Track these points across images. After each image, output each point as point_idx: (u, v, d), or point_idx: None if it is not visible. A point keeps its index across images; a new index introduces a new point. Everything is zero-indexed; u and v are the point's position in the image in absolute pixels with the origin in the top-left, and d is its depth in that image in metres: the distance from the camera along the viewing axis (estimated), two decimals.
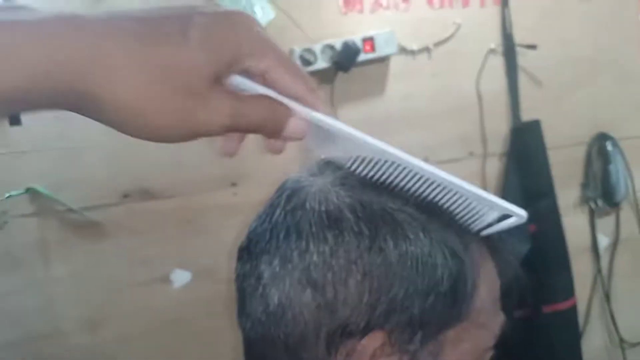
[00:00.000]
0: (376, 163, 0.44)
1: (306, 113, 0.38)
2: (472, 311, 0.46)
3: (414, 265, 0.43)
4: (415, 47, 1.40)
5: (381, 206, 0.44)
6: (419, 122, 1.42)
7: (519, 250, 1.43)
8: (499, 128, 1.50)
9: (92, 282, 1.30)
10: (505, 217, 0.45)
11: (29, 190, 1.23)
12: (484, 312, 0.47)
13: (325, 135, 0.40)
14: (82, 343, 1.30)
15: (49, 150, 1.24)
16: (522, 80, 1.48)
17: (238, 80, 0.36)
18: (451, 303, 0.45)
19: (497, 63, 1.46)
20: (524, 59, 1.47)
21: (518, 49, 1.45)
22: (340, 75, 1.32)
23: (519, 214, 0.44)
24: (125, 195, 1.29)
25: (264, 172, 1.34)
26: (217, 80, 0.34)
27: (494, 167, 1.50)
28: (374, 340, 0.43)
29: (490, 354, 0.49)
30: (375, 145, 0.40)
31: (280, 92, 0.37)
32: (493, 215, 0.45)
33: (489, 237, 0.48)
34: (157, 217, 1.31)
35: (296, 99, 0.38)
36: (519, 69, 1.47)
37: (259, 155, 1.30)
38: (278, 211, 0.46)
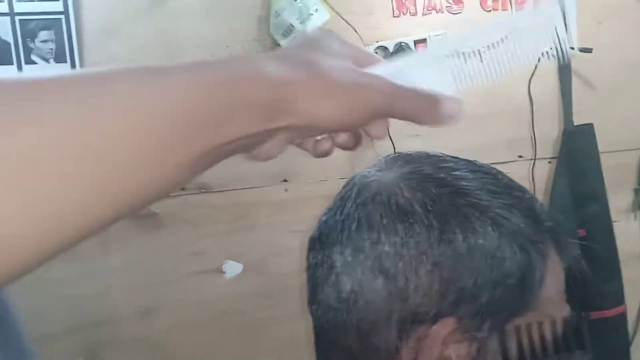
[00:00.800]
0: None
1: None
2: (540, 301, 0.47)
3: (483, 258, 0.45)
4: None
5: (450, 201, 0.46)
6: (468, 123, 1.41)
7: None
8: (550, 131, 1.49)
9: (147, 272, 1.35)
10: None
11: None
12: (551, 303, 0.48)
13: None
14: (135, 330, 1.35)
15: None
16: (576, 84, 1.47)
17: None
18: (519, 293, 0.46)
19: (550, 66, 1.46)
20: (577, 62, 1.46)
21: (572, 52, 1.44)
22: None
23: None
24: (182, 188, 1.33)
25: (314, 169, 1.37)
26: None
27: (543, 170, 1.50)
28: (444, 327, 0.44)
29: None
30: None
31: None
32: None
33: (554, 231, 0.49)
34: (211, 210, 1.35)
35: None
36: (573, 72, 1.46)
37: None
38: (349, 204, 0.49)
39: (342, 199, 0.50)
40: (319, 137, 0.39)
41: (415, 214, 0.45)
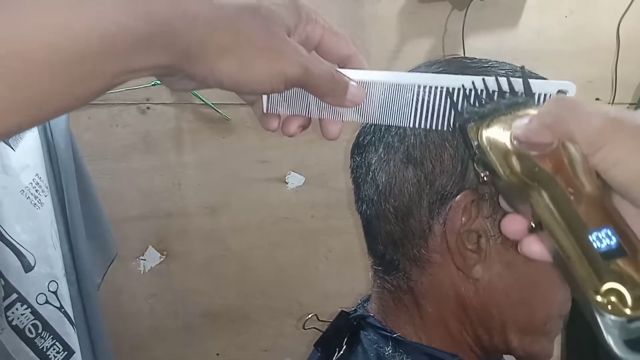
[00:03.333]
0: None
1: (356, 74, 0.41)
2: None
3: None
4: None
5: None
6: (547, 60, 1.39)
7: None
8: (632, 76, 1.43)
9: (215, 173, 1.43)
10: None
11: None
12: None
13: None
14: (201, 225, 1.46)
15: None
16: None
17: None
18: None
19: None
20: None
21: None
22: (476, 1, 1.30)
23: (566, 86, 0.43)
24: None
25: None
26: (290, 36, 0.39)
27: None
28: (465, 197, 0.49)
29: None
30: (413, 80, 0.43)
31: (335, 53, 0.43)
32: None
33: None
34: None
35: (348, 58, 0.43)
36: None
37: None
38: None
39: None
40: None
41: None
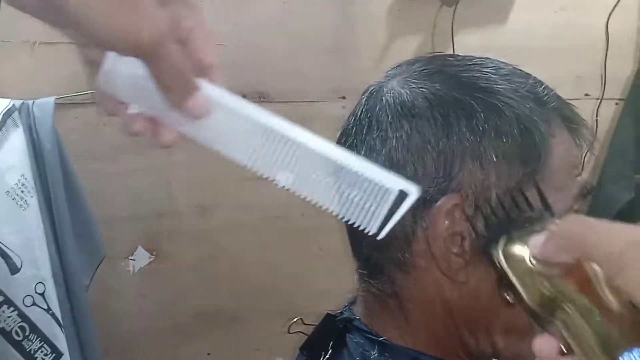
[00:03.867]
0: None
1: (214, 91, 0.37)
2: (546, 173, 0.49)
3: (484, 141, 0.48)
4: None
5: (451, 92, 0.49)
6: (536, 56, 1.38)
7: (620, 198, 1.41)
8: (621, 72, 1.44)
9: (206, 172, 1.42)
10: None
11: None
12: (559, 174, 0.50)
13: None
14: (191, 225, 1.45)
15: None
16: None
17: None
18: (521, 168, 0.48)
19: (633, 3, 1.38)
20: None
21: None
22: None
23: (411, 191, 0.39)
24: (243, 96, 1.36)
25: None
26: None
27: (609, 111, 1.45)
28: (448, 201, 0.48)
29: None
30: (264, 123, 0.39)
31: (198, 56, 0.37)
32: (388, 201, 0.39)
33: (561, 111, 0.51)
34: None
35: (209, 68, 0.38)
36: None
37: (370, 71, 1.34)
38: (360, 110, 0.53)
39: (355, 107, 0.55)
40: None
41: (418, 109, 0.49)
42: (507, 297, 0.36)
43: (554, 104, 0.51)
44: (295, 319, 0.64)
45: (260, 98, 1.38)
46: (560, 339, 0.33)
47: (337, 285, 1.42)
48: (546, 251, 0.34)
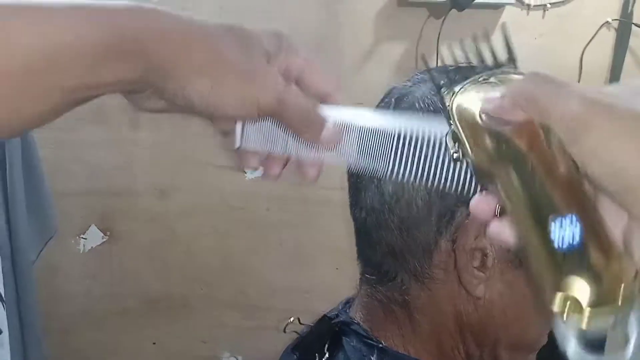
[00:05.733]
0: None
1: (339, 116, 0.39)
2: None
3: None
4: (532, 2, 1.37)
5: None
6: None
7: None
8: None
9: (170, 153, 1.37)
10: None
11: None
12: None
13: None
14: (148, 207, 1.39)
15: None
16: (628, 62, 1.45)
17: None
18: None
19: (609, 38, 1.43)
20: (636, 40, 1.43)
21: (633, 29, 1.41)
22: (453, 12, 1.31)
23: None
24: None
25: (355, 96, 1.37)
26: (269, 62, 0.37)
27: None
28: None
29: None
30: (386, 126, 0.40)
31: (315, 89, 0.40)
32: None
33: None
34: None
35: (328, 96, 0.40)
36: (629, 49, 1.44)
37: (351, 79, 1.33)
38: (389, 112, 0.51)
39: (382, 108, 0.53)
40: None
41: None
42: (452, 150, 0.34)
43: None
44: (291, 319, 0.62)
45: None
46: (498, 201, 0.32)
47: (293, 281, 1.42)
48: (499, 106, 0.31)
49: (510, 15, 1.38)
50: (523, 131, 0.31)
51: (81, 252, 1.35)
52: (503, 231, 0.32)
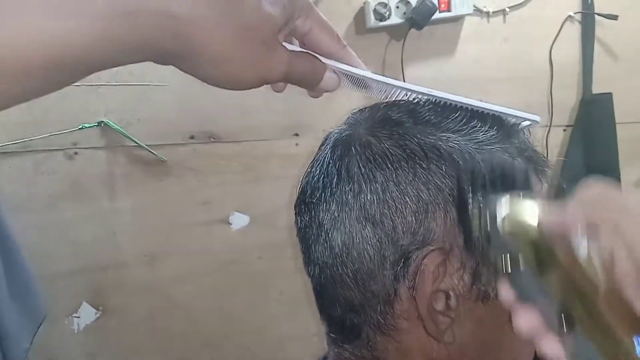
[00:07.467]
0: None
1: (337, 66, 0.45)
2: None
3: (453, 193, 0.45)
4: (491, 9, 1.37)
5: (422, 140, 0.46)
6: (486, 87, 1.40)
7: None
8: (567, 99, 1.47)
9: (153, 218, 1.34)
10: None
11: (100, 124, 1.26)
12: None
13: (361, 83, 0.48)
14: (140, 276, 1.36)
15: (121, 85, 1.27)
16: (598, 52, 1.43)
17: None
18: None
19: (574, 32, 1.42)
20: (601, 29, 1.42)
21: (597, 19, 1.40)
22: (413, 32, 1.30)
23: (533, 119, 0.51)
24: (191, 137, 1.32)
25: (327, 124, 1.35)
26: (278, 34, 0.42)
27: (557, 138, 1.48)
28: (435, 259, 0.45)
29: None
30: (399, 85, 0.48)
31: (319, 49, 0.45)
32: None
33: (532, 159, 0.50)
34: (220, 160, 1.33)
35: (332, 54, 0.46)
36: (596, 39, 1.42)
37: (322, 107, 1.31)
38: (327, 161, 0.49)
39: (319, 159, 0.51)
40: None
41: (390, 159, 0.46)
42: (502, 260, 0.34)
43: (527, 153, 0.50)
44: None
45: (210, 139, 1.33)
46: (556, 314, 0.31)
47: (299, 328, 1.36)
48: (565, 215, 0.31)
49: (471, 25, 1.38)
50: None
51: (76, 331, 1.31)
52: (554, 347, 0.31)
